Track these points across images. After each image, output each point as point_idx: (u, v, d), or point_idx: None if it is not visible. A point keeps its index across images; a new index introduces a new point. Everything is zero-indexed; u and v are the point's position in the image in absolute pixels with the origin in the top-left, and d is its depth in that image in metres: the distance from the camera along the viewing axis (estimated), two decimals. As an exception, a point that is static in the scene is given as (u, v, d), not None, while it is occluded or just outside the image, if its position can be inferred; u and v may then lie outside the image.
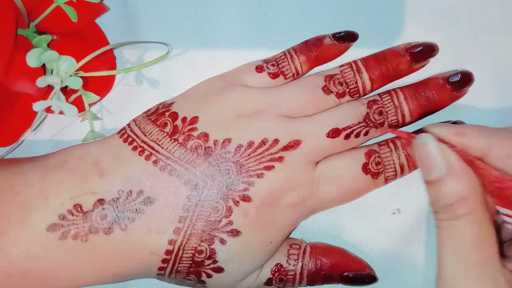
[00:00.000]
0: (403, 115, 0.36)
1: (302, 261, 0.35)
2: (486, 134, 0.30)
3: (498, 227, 0.31)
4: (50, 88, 0.35)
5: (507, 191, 0.28)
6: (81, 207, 0.32)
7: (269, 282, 0.35)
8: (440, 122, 0.36)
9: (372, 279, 0.36)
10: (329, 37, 0.37)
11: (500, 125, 0.33)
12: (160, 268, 0.33)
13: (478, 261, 0.28)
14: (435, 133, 0.30)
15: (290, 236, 0.37)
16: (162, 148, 0.33)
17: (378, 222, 0.38)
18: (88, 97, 0.36)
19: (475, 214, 0.28)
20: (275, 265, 0.35)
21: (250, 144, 0.33)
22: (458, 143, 0.29)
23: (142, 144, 0.34)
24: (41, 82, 0.34)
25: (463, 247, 0.28)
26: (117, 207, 0.32)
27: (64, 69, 0.35)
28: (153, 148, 0.33)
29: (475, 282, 0.28)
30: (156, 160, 0.33)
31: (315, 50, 0.37)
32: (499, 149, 0.29)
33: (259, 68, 0.36)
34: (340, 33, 0.37)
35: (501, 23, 0.39)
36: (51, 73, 0.35)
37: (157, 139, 0.34)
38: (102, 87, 0.39)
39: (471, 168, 0.29)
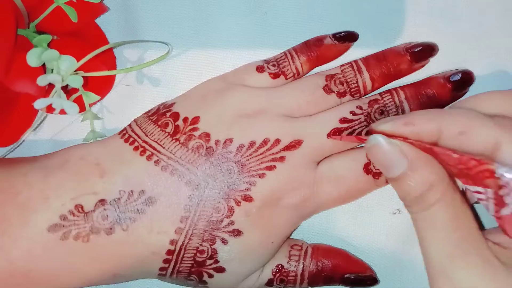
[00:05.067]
0: None
1: (303, 262, 0.35)
2: (434, 117, 0.29)
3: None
4: (50, 88, 0.35)
5: (472, 171, 0.27)
6: (82, 207, 0.32)
7: (270, 282, 0.35)
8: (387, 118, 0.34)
9: (374, 281, 0.36)
10: (330, 37, 0.37)
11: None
12: (161, 268, 0.33)
13: (460, 239, 0.28)
14: (383, 130, 0.29)
15: (291, 236, 0.37)
16: (164, 148, 0.33)
17: (379, 222, 0.38)
18: (88, 97, 0.36)
19: (446, 197, 0.29)
20: (276, 266, 0.35)
21: (252, 144, 0.33)
22: (409, 133, 0.29)
23: (144, 144, 0.33)
24: (42, 80, 0.34)
25: (443, 230, 0.29)
26: (118, 207, 0.32)
27: (64, 68, 0.35)
28: (154, 148, 0.33)
29: (462, 259, 0.28)
30: (158, 160, 0.33)
31: (316, 50, 0.37)
32: (450, 129, 0.29)
33: (260, 69, 0.36)
34: (341, 33, 0.37)
35: (501, 23, 0.39)
36: (52, 72, 0.35)
37: (159, 139, 0.33)
38: (102, 87, 0.38)
39: (431, 156, 0.29)
